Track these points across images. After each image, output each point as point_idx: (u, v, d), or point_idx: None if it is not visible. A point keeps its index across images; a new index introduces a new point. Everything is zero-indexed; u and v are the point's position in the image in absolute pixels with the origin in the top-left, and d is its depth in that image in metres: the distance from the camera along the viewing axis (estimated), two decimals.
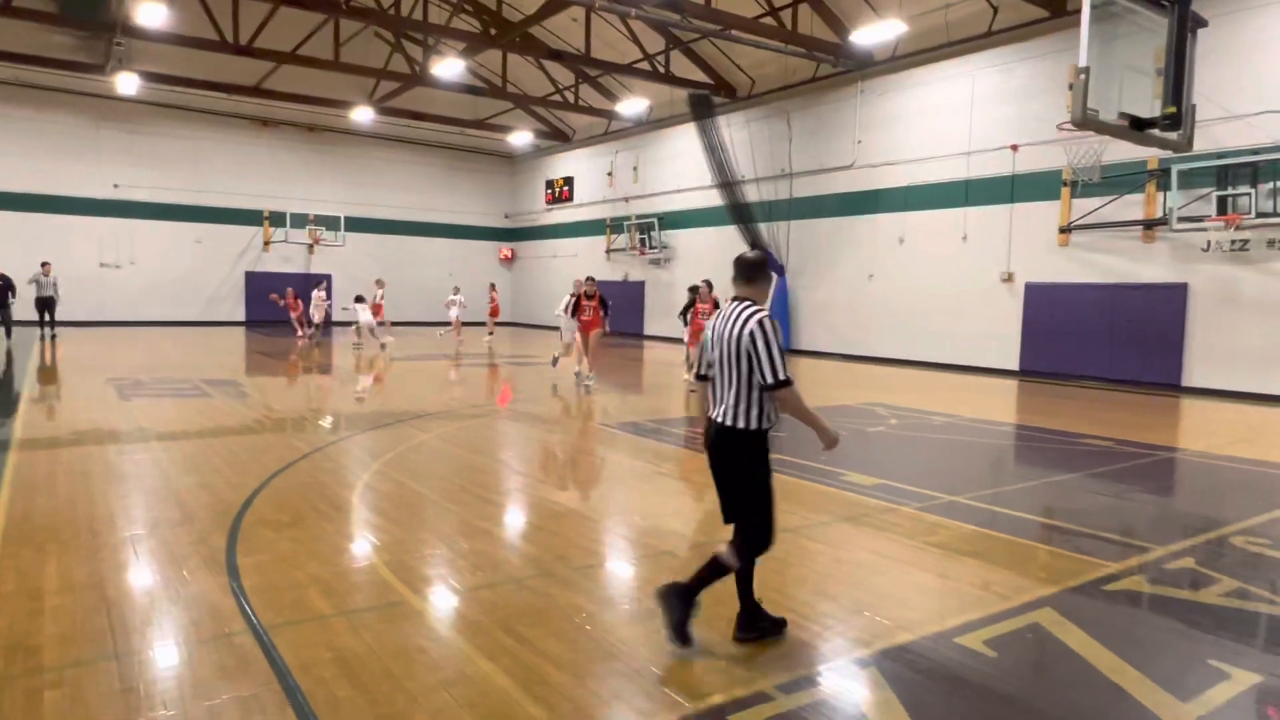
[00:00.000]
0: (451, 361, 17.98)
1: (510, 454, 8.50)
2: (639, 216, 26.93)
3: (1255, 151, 13.17)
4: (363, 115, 26.49)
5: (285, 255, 29.28)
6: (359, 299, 20.65)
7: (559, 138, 30.71)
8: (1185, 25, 8.06)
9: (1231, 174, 13.42)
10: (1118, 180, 14.79)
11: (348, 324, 21.47)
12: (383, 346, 19.57)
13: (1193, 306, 14.40)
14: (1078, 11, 7.85)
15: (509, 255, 34.56)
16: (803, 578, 4.57)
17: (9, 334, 18.51)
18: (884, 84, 19.37)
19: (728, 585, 4.39)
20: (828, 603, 4.25)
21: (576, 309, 13.76)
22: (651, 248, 26.33)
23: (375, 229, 31.07)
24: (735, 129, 22.64)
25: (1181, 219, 13.95)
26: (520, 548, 5.28)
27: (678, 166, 25.40)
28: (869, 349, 19.65)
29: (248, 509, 5.73)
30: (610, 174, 28.60)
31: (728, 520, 3.76)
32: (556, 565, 4.77)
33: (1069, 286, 16.04)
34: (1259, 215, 13.05)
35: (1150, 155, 14.04)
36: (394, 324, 26.14)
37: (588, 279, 14.15)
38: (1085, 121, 7.72)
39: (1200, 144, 11.67)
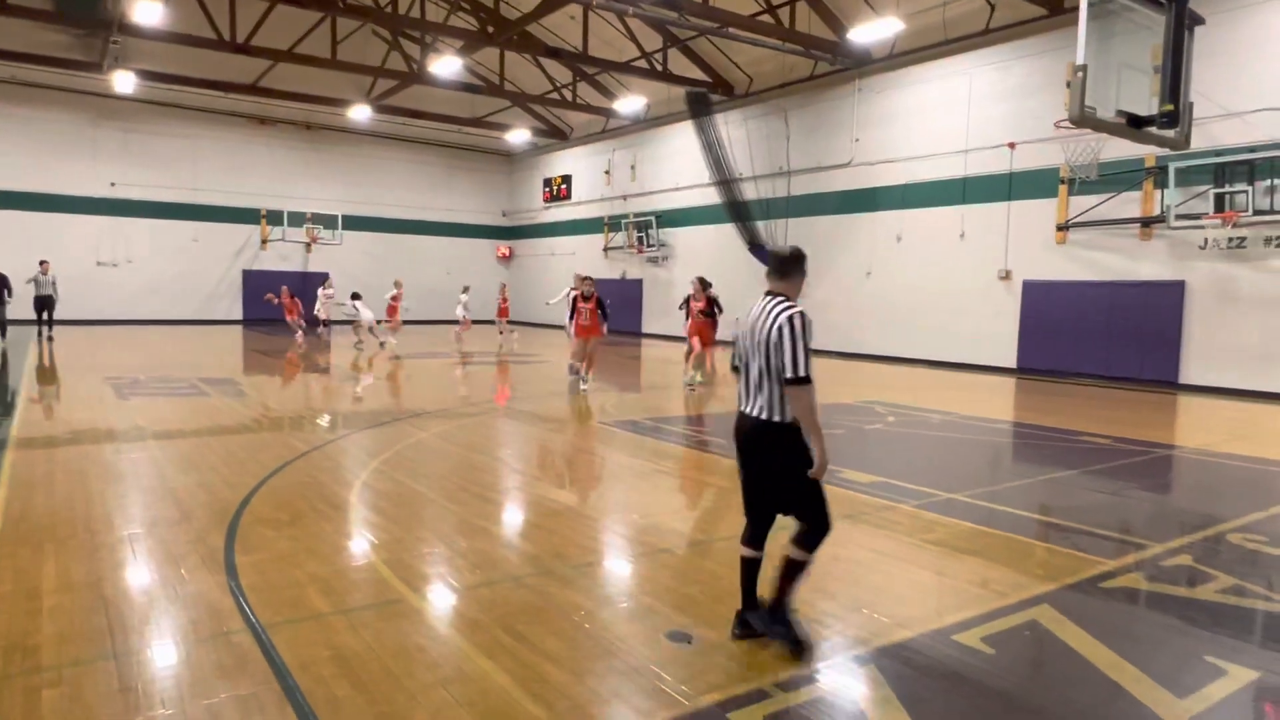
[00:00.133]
0: (449, 360, 17.96)
1: (509, 452, 8.50)
2: (637, 215, 26.92)
3: (1252, 149, 13.18)
4: (360, 113, 26.45)
5: (283, 254, 29.25)
6: (356, 296, 20.65)
7: (557, 136, 30.69)
8: (1183, 23, 8.08)
9: (1229, 171, 13.43)
10: (1115, 178, 14.81)
11: (347, 322, 21.44)
12: (382, 345, 19.55)
13: (1190, 304, 14.42)
14: (1075, 9, 7.85)
15: (507, 253, 34.53)
16: None
17: (4, 333, 18.47)
18: (881, 82, 19.37)
19: (724, 584, 4.40)
20: (826, 600, 4.25)
21: (573, 313, 12.83)
22: (649, 246, 26.32)
23: (373, 227, 31.04)
24: (733, 127, 22.62)
25: (1179, 216, 13.97)
26: (519, 546, 5.28)
27: (675, 165, 25.39)
28: (867, 347, 19.66)
29: (246, 508, 5.73)
30: (608, 172, 28.58)
31: (755, 513, 3.76)
32: (555, 563, 4.77)
33: (1066, 284, 16.06)
34: (1256, 213, 13.07)
35: (1148, 153, 14.05)
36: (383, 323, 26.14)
37: (585, 278, 13.12)
38: (1083, 119, 7.73)
39: (1197, 141, 11.67)
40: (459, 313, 22.37)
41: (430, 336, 23.72)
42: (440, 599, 4.27)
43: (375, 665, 3.40)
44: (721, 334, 16.75)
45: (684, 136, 23.90)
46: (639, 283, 27.33)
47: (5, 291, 18.48)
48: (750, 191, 22.17)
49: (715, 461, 8.14)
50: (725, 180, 22.06)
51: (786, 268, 3.70)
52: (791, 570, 3.64)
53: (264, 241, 28.78)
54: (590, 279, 13.06)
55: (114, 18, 19.13)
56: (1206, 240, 14.11)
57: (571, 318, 12.94)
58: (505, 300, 23.96)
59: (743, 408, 3.71)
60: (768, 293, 3.70)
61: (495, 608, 4.06)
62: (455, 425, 9.52)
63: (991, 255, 17.28)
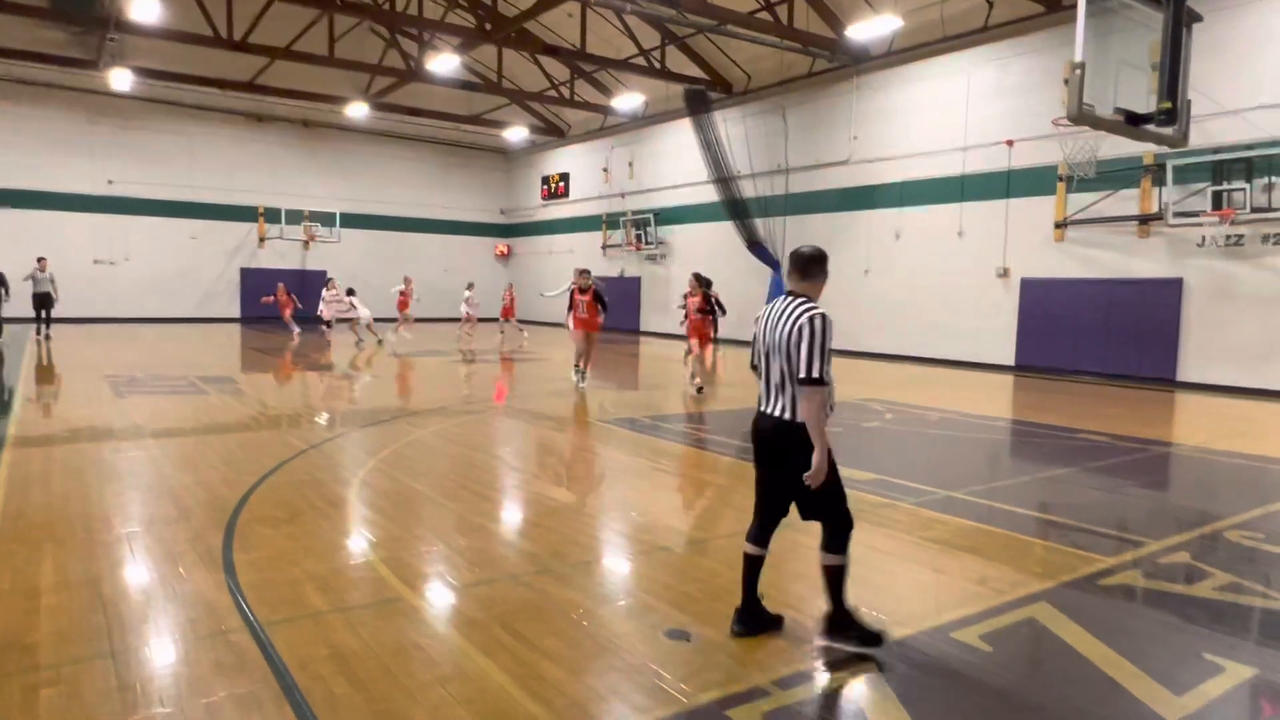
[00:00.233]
0: (449, 358, 17.94)
1: (507, 450, 8.49)
2: (635, 212, 26.91)
3: (1250, 146, 13.20)
4: (358, 111, 26.41)
5: (280, 252, 29.22)
6: (350, 292, 20.65)
7: (554, 133, 30.66)
8: (1181, 20, 8.08)
9: (1227, 169, 13.44)
10: (1113, 175, 14.81)
11: (347, 320, 21.42)
12: (380, 342, 19.55)
13: (1188, 301, 14.44)
14: (1073, 7, 7.85)
15: (505, 251, 34.51)
16: (798, 573, 4.58)
17: (0, 331, 18.45)
18: (880, 79, 19.37)
19: (722, 581, 4.40)
20: (824, 597, 4.25)
21: (571, 305, 12.73)
22: (647, 243, 26.31)
23: (371, 225, 31.01)
24: (731, 124, 22.63)
25: (1177, 214, 13.98)
26: (517, 544, 5.28)
27: (674, 162, 25.37)
28: (865, 344, 19.66)
29: (244, 506, 5.73)
30: (606, 170, 28.56)
31: (765, 512, 3.76)
32: (553, 561, 4.77)
33: (1065, 281, 16.07)
34: (1254, 210, 13.09)
35: (1146, 150, 14.05)
36: (388, 319, 26.14)
37: (582, 271, 12.88)
38: (1081, 117, 7.74)
39: (1195, 139, 11.67)
40: (464, 310, 22.38)
41: (428, 334, 23.68)
42: (438, 597, 4.27)
43: (373, 663, 3.40)
44: (722, 333, 16.82)
45: (682, 134, 23.90)
46: (637, 280, 27.32)
47: (3, 290, 18.46)
48: (749, 189, 22.18)
49: (714, 460, 8.15)
50: (723, 178, 22.07)
51: (809, 268, 3.68)
52: (834, 577, 3.67)
53: (262, 239, 28.76)
54: (587, 272, 12.93)
55: (111, 15, 19.10)
56: (1204, 238, 14.13)
57: (570, 310, 12.86)
58: (512, 299, 23.77)
59: (763, 408, 3.70)
60: (789, 293, 3.68)
61: (494, 606, 4.06)
62: (454, 423, 9.51)
63: (990, 253, 17.29)
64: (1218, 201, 13.50)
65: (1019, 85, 16.55)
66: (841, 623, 3.67)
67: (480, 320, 23.71)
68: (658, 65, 22.46)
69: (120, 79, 22.35)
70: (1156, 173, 14.38)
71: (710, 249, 23.65)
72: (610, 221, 28.15)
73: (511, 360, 17.81)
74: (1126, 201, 15.01)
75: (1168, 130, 8.34)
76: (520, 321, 23.77)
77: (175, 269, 27.46)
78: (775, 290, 21.76)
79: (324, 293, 21.31)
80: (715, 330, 14.29)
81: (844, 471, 3.77)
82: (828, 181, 20.72)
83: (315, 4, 19.01)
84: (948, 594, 4.39)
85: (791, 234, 21.70)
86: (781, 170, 21.87)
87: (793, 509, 3.74)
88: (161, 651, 3.49)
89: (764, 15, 18.91)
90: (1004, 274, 17.07)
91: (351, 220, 30.11)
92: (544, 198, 32.31)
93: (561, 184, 31.20)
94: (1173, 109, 8.08)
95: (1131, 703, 3.23)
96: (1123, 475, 7.48)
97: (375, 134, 30.79)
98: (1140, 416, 11.18)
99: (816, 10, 18.76)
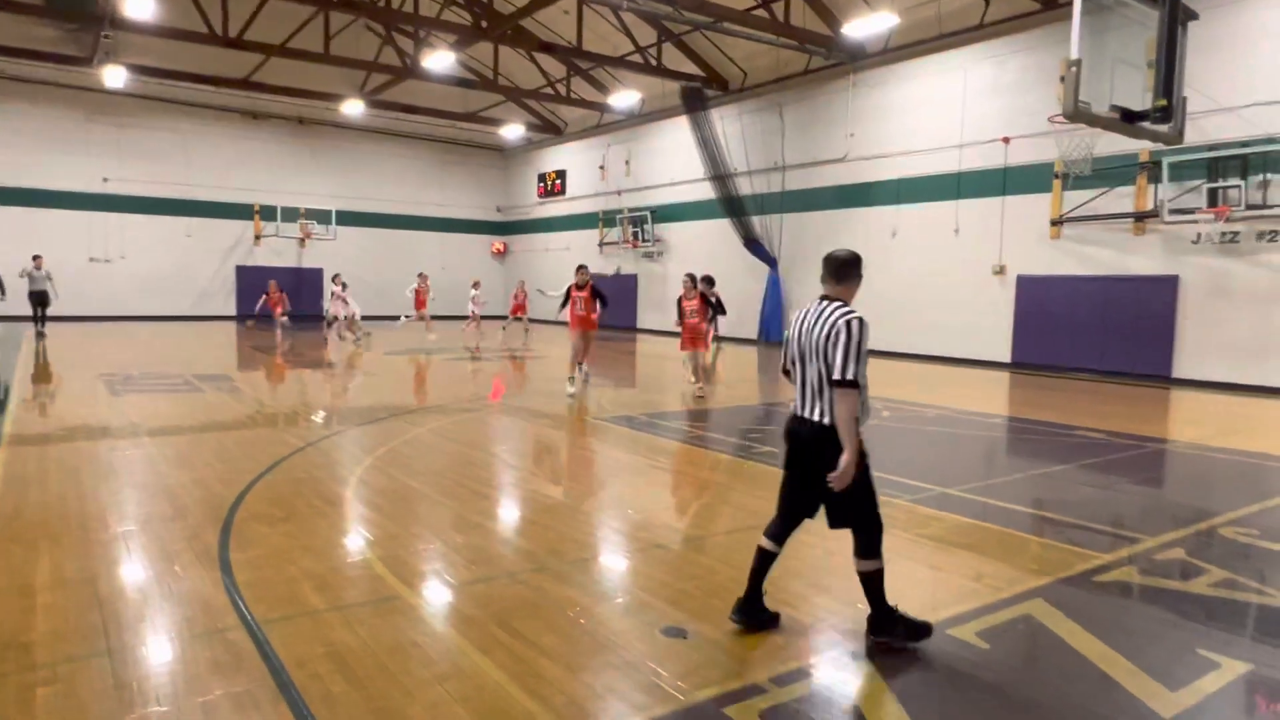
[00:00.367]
0: (448, 356, 17.94)
1: (504, 448, 8.49)
2: (631, 210, 26.89)
3: (1245, 144, 13.22)
4: (353, 108, 26.35)
5: (276, 249, 29.16)
6: (343, 286, 20.62)
7: (551, 131, 30.62)
8: (1176, 18, 8.09)
9: (1222, 166, 13.47)
10: (1109, 173, 14.82)
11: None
12: (355, 341, 19.61)
13: (1183, 298, 14.47)
14: (1069, 4, 7.86)
15: (501, 249, 34.48)
16: (796, 570, 4.59)
17: None
18: (876, 76, 19.37)
19: (719, 578, 4.41)
20: (821, 595, 4.27)
21: (566, 300, 12.13)
22: (644, 241, 26.30)
23: (367, 223, 30.94)
24: (728, 122, 22.64)
25: (1172, 211, 14.00)
26: (514, 542, 5.28)
27: (670, 160, 25.36)
28: None
29: (240, 504, 5.72)
30: (602, 167, 28.54)
31: (789, 513, 3.77)
32: (550, 559, 4.77)
33: (1061, 279, 16.10)
34: (1249, 207, 13.11)
35: (1141, 147, 14.02)
36: (381, 317, 26.11)
37: (580, 268, 12.39)
38: (1077, 114, 7.75)
39: (1191, 136, 11.68)
40: (470, 308, 22.36)
41: (423, 332, 23.63)
42: (436, 595, 4.27)
43: (370, 661, 3.40)
44: (721, 332, 16.81)
45: (679, 131, 23.90)
46: (634, 278, 27.32)
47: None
48: (745, 186, 22.20)
49: (711, 457, 8.15)
50: (720, 175, 22.09)
51: (842, 272, 3.71)
52: (872, 582, 3.68)
53: (257, 237, 28.69)
54: (585, 268, 12.42)
55: (106, 12, 19.02)
56: (1200, 235, 14.15)
57: (564, 305, 12.27)
58: (525, 296, 23.41)
59: (799, 412, 3.71)
60: (823, 297, 3.70)
61: (491, 603, 4.06)
62: (451, 421, 9.51)
63: (986, 250, 17.32)
64: (1213, 199, 13.52)
65: (1015, 82, 16.57)
66: (886, 622, 3.69)
67: (485, 318, 23.70)
68: (654, 62, 22.43)
69: (115, 76, 22.26)
70: (1152, 170, 14.40)
71: (707, 246, 23.65)
72: (607, 219, 28.13)
73: (512, 358, 17.80)
74: (1122, 199, 15.03)
75: (1163, 127, 8.36)
76: (529, 320, 23.73)
77: (171, 267, 27.39)
78: (773, 288, 21.79)
79: (335, 289, 20.95)
80: (715, 329, 14.27)
81: None
82: (824, 179, 20.72)
83: (311, 1, 18.96)
84: (944, 591, 4.40)
85: (788, 231, 21.72)
86: (778, 167, 21.86)
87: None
88: (158, 650, 3.49)
89: (760, 12, 18.89)
90: (1000, 271, 17.09)
91: (347, 218, 30.04)
92: (540, 195, 32.28)
93: (558, 181, 31.16)
94: (1168, 106, 8.09)
95: (1127, 699, 3.24)
96: (1118, 472, 7.50)
97: (371, 131, 30.72)
98: (1136, 413, 11.21)
99: (813, 7, 18.75)
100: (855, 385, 3.47)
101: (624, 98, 24.47)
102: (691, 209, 24.69)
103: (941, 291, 18.08)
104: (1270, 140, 12.99)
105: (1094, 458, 8.05)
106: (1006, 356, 17.01)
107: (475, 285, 23.00)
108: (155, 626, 3.71)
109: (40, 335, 19.13)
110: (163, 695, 3.10)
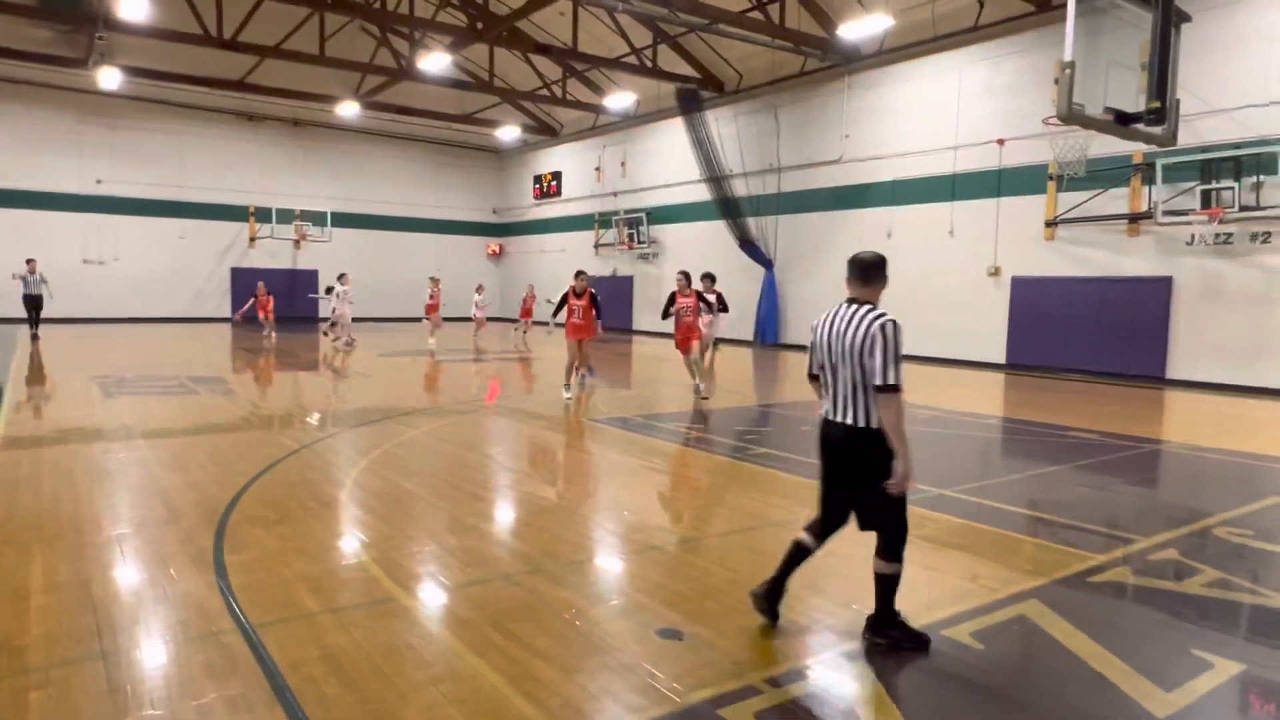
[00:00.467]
0: (441, 357, 17.92)
1: (499, 450, 8.48)
2: (627, 211, 26.90)
3: (1238, 145, 13.28)
4: (349, 110, 26.32)
5: (271, 251, 29.11)
6: (329, 290, 20.56)
7: (546, 132, 30.63)
8: (1169, 20, 8.13)
9: (1215, 168, 13.52)
10: (1103, 174, 14.87)
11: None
12: (336, 343, 19.58)
13: (1177, 299, 14.52)
14: (1063, 6, 7.89)
15: (497, 250, 34.46)
16: (795, 572, 4.58)
17: None
18: (871, 78, 19.41)
19: (714, 580, 4.41)
20: (816, 596, 4.27)
21: (561, 305, 11.90)
22: (640, 242, 26.31)
23: (362, 224, 30.91)
24: (723, 123, 22.66)
25: (1166, 213, 14.05)
26: (509, 544, 5.27)
27: (666, 161, 25.38)
28: None
29: (235, 507, 5.71)
30: (598, 169, 28.55)
31: (831, 515, 3.79)
32: (545, 561, 4.77)
33: (1055, 280, 16.14)
34: (1242, 209, 13.17)
35: (1135, 149, 14.10)
36: (380, 319, 26.09)
37: (579, 273, 12.09)
38: (1071, 116, 7.78)
39: (1184, 138, 11.75)
40: (474, 311, 22.35)
41: (423, 334, 23.59)
42: (431, 597, 4.26)
43: (365, 664, 3.39)
44: (721, 332, 16.83)
45: (674, 133, 23.91)
46: (629, 279, 27.32)
47: None
48: (740, 188, 22.22)
49: (706, 459, 8.16)
50: (716, 177, 22.11)
51: (869, 273, 3.70)
52: (886, 584, 3.69)
53: (252, 239, 28.65)
54: (584, 273, 12.14)
55: (99, 13, 18.99)
56: (1193, 236, 14.20)
57: (557, 311, 12.10)
58: (534, 300, 23.27)
59: (832, 417, 3.71)
60: (850, 300, 3.69)
61: (486, 606, 4.06)
62: (446, 423, 9.50)
63: (981, 251, 17.36)
64: (1206, 200, 13.57)
65: (1010, 84, 16.61)
66: (887, 624, 3.70)
67: (490, 320, 23.65)
68: (649, 64, 22.46)
69: (109, 78, 22.20)
70: (1146, 172, 14.45)
71: (702, 248, 23.66)
72: (603, 220, 28.14)
73: (512, 360, 17.78)
74: (1116, 200, 15.08)
75: (1157, 129, 8.40)
76: (535, 323, 23.68)
77: (165, 269, 27.33)
78: (768, 289, 21.81)
79: (340, 289, 20.75)
80: (708, 329, 14.24)
81: None
82: (819, 180, 20.75)
83: (305, 2, 18.94)
84: (939, 591, 4.40)
85: (784, 233, 21.75)
86: (773, 169, 21.89)
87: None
88: (152, 653, 3.48)
89: (755, 14, 18.93)
90: (995, 272, 17.14)
91: (343, 220, 30.00)
92: (536, 197, 32.28)
93: (554, 183, 31.17)
94: (1161, 108, 8.13)
95: (1121, 699, 3.25)
96: (1112, 472, 7.52)
97: (367, 133, 30.69)
98: (1129, 414, 11.24)
99: (808, 9, 18.78)
100: (898, 389, 3.48)
101: (619, 99, 24.49)
102: (687, 210, 24.71)
103: (936, 293, 18.10)
104: (1263, 142, 13.05)
105: (1088, 458, 8.07)
106: (1001, 357, 17.06)
107: (479, 290, 22.97)
108: (149, 630, 3.70)
109: (34, 338, 19.07)
110: (157, 699, 3.09)
